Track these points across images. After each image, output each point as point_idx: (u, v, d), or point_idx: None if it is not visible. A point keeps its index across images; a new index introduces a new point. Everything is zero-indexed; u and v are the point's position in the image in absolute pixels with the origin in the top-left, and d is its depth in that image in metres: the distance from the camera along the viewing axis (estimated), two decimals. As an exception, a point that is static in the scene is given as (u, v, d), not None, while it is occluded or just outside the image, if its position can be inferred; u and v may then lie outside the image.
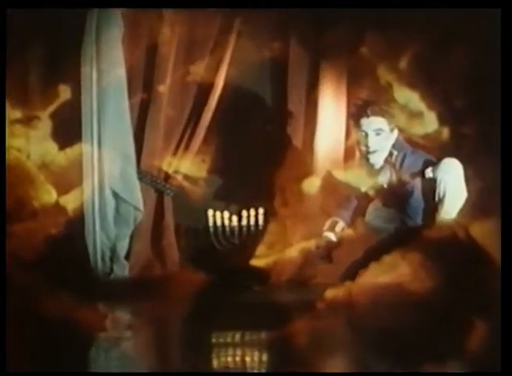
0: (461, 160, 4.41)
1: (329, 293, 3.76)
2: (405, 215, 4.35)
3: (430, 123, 4.55)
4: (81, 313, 3.44)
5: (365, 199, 4.52)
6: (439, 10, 4.27)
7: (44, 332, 3.17)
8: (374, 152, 4.35)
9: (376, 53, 4.63)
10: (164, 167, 4.95)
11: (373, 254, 3.98)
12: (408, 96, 4.56)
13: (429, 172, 4.26)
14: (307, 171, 4.87)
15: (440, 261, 3.49)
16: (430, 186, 4.29)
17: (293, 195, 4.85)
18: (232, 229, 5.04)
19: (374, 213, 4.45)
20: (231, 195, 5.12)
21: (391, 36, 4.55)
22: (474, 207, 4.06)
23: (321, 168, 4.85)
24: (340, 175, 4.58)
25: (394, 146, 4.37)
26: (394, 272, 3.63)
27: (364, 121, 4.34)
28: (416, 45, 4.54)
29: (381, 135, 4.33)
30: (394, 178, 4.37)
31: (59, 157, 4.74)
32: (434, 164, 4.34)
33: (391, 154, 4.38)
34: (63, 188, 4.70)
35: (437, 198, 4.25)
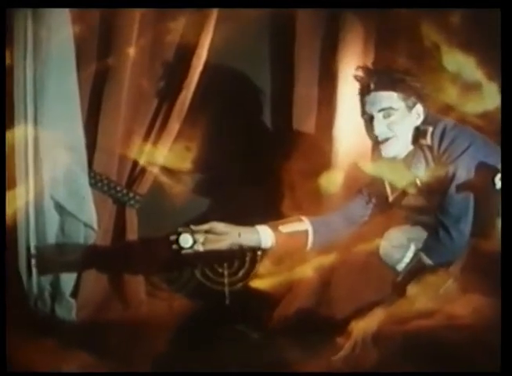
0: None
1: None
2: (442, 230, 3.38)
3: (490, 98, 3.98)
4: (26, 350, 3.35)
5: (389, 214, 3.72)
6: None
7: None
8: (386, 140, 3.48)
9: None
10: (131, 157, 4.29)
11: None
12: (461, 62, 4.02)
13: (498, 182, 3.33)
14: (324, 163, 4.27)
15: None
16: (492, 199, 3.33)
17: (308, 194, 4.24)
18: (219, 254, 4.09)
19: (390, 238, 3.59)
20: (224, 195, 4.43)
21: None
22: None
23: (342, 159, 4.26)
24: (368, 167, 3.83)
25: (426, 121, 3.51)
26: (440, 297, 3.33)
27: (367, 100, 3.50)
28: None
29: (393, 117, 3.46)
30: (431, 170, 3.50)
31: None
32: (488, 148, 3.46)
33: (424, 133, 3.48)
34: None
35: None
